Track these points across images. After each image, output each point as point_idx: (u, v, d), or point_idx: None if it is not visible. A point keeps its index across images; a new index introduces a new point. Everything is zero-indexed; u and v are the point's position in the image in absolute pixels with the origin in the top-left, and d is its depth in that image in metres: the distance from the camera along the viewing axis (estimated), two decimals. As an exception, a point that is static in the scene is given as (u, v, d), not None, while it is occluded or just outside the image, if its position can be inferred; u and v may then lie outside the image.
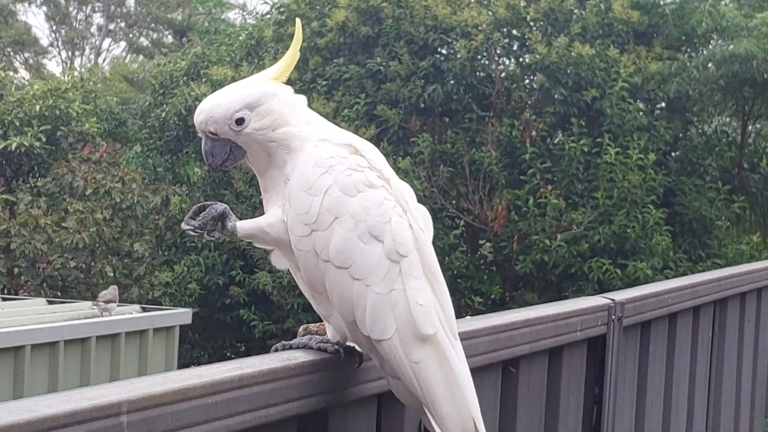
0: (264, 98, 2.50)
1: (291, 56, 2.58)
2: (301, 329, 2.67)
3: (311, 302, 2.55)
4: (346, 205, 2.39)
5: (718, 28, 18.78)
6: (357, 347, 2.55)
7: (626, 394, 4.27)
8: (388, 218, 2.41)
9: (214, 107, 2.50)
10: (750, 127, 20.98)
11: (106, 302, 12.40)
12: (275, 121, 2.50)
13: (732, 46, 17.94)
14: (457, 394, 2.39)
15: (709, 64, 18.58)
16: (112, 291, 12.81)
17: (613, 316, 4.01)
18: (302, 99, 2.59)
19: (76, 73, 24.03)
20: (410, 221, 2.45)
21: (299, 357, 2.42)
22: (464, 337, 3.01)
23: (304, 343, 2.53)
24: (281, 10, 20.95)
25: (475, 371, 3.12)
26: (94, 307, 12.56)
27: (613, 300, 4.03)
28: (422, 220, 2.52)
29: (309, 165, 2.43)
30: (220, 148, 2.52)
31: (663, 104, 19.86)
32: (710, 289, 5.21)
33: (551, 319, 3.59)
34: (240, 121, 2.48)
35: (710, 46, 19.47)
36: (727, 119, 21.90)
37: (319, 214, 2.38)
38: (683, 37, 19.65)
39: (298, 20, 2.64)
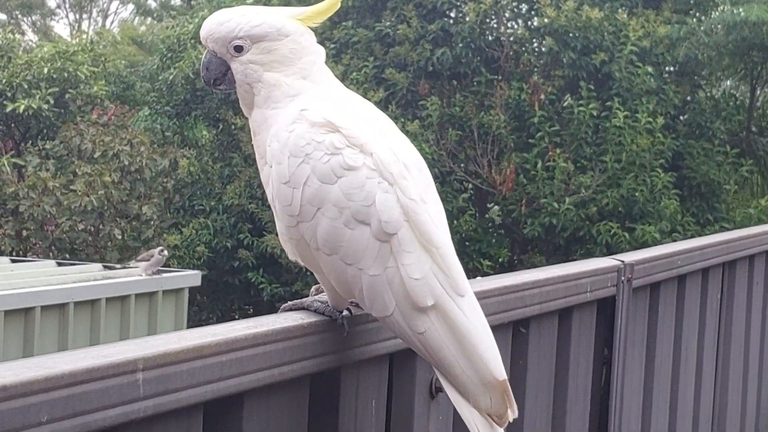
0: (272, 35, 2.43)
1: (330, 2, 2.49)
2: (312, 289, 2.68)
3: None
4: (327, 194, 2.33)
5: (727, -8, 18.72)
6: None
7: (635, 356, 4.28)
8: (372, 200, 2.34)
9: (217, 26, 2.45)
10: (758, 91, 20.92)
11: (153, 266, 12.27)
12: (272, 62, 2.43)
13: (742, 12, 17.86)
14: (470, 351, 2.38)
15: (718, 27, 18.50)
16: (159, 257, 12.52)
17: (623, 278, 4.01)
18: (317, 50, 2.51)
19: (84, 36, 23.96)
20: (398, 193, 2.37)
21: (312, 316, 2.43)
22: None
23: (302, 303, 2.52)
24: (289, -28, 20.85)
25: (486, 332, 3.14)
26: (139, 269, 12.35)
27: (622, 261, 4.04)
28: (414, 185, 2.42)
29: (285, 156, 2.36)
30: (216, 66, 2.47)
31: (672, 68, 19.80)
32: (719, 251, 5.21)
33: (561, 280, 3.59)
34: (238, 49, 2.43)
35: (719, 11, 19.37)
36: (736, 83, 21.83)
37: (301, 206, 2.34)
38: (692, 1, 19.56)
39: None
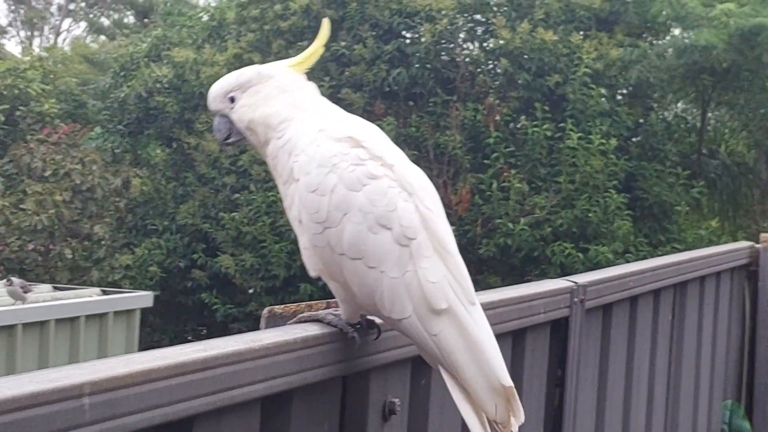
0: (255, 79, 2.69)
1: (312, 49, 2.79)
2: (265, 311, 2.70)
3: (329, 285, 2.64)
4: (353, 200, 2.49)
5: (678, 17, 18.90)
6: (376, 320, 2.71)
7: (588, 376, 4.29)
8: (394, 206, 2.51)
9: (214, 88, 2.72)
10: (709, 114, 21.14)
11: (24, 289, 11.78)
12: (259, 101, 2.66)
13: (693, 37, 18.06)
14: (479, 356, 2.50)
15: (669, 52, 18.69)
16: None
17: (576, 299, 4.02)
18: (306, 85, 2.74)
19: (35, 53, 23.76)
20: (416, 203, 2.55)
21: (264, 339, 2.41)
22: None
23: (317, 316, 2.65)
24: (244, -9, 20.86)
25: (439, 353, 3.13)
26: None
27: (575, 283, 4.05)
28: (429, 199, 2.61)
29: (314, 166, 2.53)
30: (222, 124, 2.72)
31: (624, 90, 19.97)
32: (670, 273, 5.24)
33: (515, 302, 3.59)
34: (232, 100, 2.68)
35: (671, 35, 19.59)
36: (687, 106, 22.06)
37: (328, 212, 2.49)
38: (644, 25, 19.76)
39: (325, 20, 2.84)
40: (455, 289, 2.52)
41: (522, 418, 2.55)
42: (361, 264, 2.49)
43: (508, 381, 2.53)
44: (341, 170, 2.51)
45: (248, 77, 2.68)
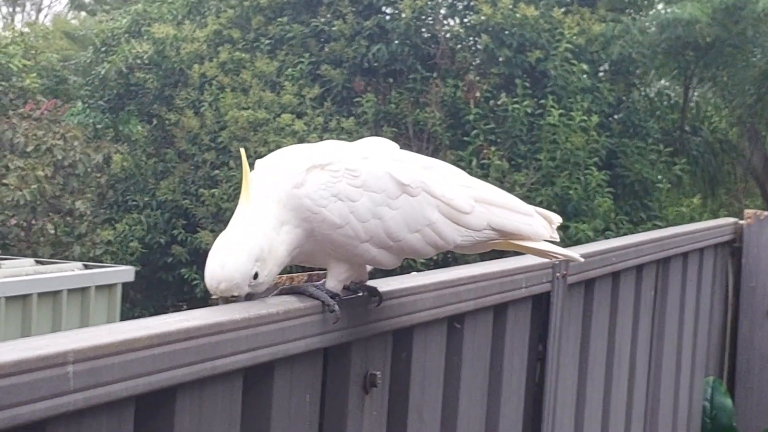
0: (262, 247, 2.46)
1: (243, 185, 2.58)
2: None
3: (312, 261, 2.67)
4: (367, 201, 2.55)
5: (662, -10, 18.93)
6: (378, 288, 2.79)
7: (569, 351, 4.30)
8: (385, 174, 2.57)
9: (231, 275, 2.44)
10: (692, 91, 21.17)
11: None
12: (270, 261, 2.48)
13: (676, 10, 18.06)
14: (514, 211, 2.76)
15: (652, 27, 18.70)
16: None
17: (558, 274, 4.03)
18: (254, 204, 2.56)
19: (17, 29, 23.62)
20: (383, 157, 2.63)
21: (246, 311, 2.41)
22: (410, 292, 3.02)
23: (297, 288, 2.64)
24: (225, -33, 20.76)
25: (421, 327, 3.14)
26: None
27: (557, 257, 4.05)
28: (385, 148, 2.71)
29: (319, 212, 2.50)
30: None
31: (606, 66, 19.98)
32: (653, 248, 5.25)
33: (497, 276, 3.60)
34: (256, 275, 2.46)
35: (654, 9, 19.59)
36: (670, 82, 22.09)
37: (363, 228, 2.55)
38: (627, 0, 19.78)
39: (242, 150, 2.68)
40: (461, 186, 2.69)
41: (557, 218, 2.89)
42: (417, 236, 2.62)
43: (531, 209, 2.81)
44: (340, 194, 2.52)
45: (259, 247, 2.44)
